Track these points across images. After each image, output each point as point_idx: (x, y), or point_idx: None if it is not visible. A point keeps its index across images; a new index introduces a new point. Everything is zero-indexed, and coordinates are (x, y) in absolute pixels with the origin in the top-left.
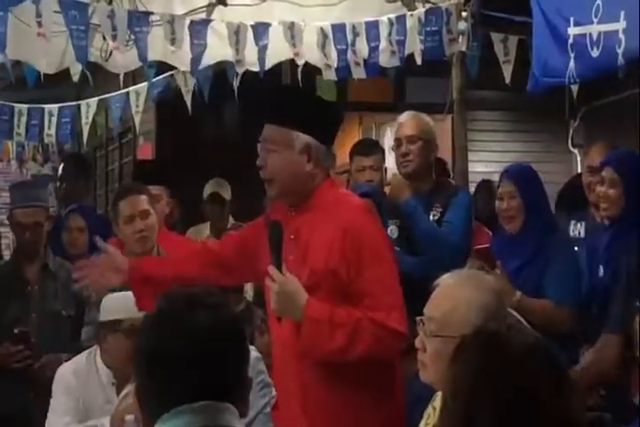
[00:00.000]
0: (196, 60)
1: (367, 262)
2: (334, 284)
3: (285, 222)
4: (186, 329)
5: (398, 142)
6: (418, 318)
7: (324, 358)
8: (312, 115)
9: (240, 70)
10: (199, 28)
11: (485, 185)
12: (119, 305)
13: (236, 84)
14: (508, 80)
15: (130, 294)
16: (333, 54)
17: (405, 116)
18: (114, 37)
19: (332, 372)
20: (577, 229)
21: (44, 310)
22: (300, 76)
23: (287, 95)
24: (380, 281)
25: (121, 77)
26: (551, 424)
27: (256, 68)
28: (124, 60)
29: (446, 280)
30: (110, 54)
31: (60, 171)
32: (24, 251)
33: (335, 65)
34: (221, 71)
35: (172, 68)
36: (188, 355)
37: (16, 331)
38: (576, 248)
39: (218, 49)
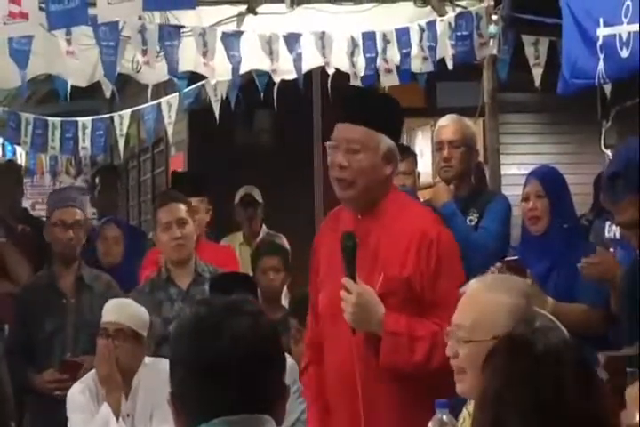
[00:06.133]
0: (234, 71)
1: (442, 273)
2: (407, 292)
3: (351, 228)
4: (226, 336)
5: (440, 146)
6: (447, 329)
7: (405, 372)
8: (394, 118)
9: (277, 79)
10: (231, 40)
11: None
12: (110, 310)
13: (274, 92)
14: (537, 83)
15: (121, 300)
16: (364, 62)
17: (447, 120)
18: (144, 52)
19: (395, 377)
20: (612, 231)
21: (79, 322)
22: (330, 83)
23: (374, 97)
24: (453, 293)
25: (149, 90)
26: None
27: (289, 77)
28: (154, 71)
29: (472, 286)
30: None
31: (96, 183)
32: (62, 255)
33: (367, 72)
34: (250, 80)
35: (203, 77)
36: (229, 362)
37: (65, 359)
38: (611, 249)
39: (248, 59)
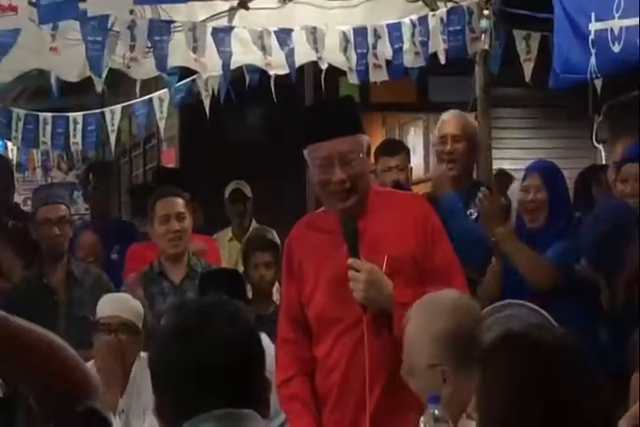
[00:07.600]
0: (225, 66)
1: (438, 241)
2: (413, 270)
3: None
4: (204, 341)
5: (443, 140)
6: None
7: None
8: (358, 113)
9: (271, 73)
10: (222, 36)
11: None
12: (108, 304)
13: (272, 86)
14: (528, 78)
15: (118, 294)
16: (355, 57)
17: (451, 115)
18: (132, 48)
19: None
20: None
21: (71, 317)
22: (323, 78)
23: (338, 104)
24: (450, 257)
25: (137, 85)
26: (585, 424)
27: (281, 72)
28: (145, 67)
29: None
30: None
31: (90, 178)
32: (50, 251)
33: (358, 67)
34: (241, 76)
35: (195, 72)
36: (208, 366)
37: None
38: None
39: (239, 54)
